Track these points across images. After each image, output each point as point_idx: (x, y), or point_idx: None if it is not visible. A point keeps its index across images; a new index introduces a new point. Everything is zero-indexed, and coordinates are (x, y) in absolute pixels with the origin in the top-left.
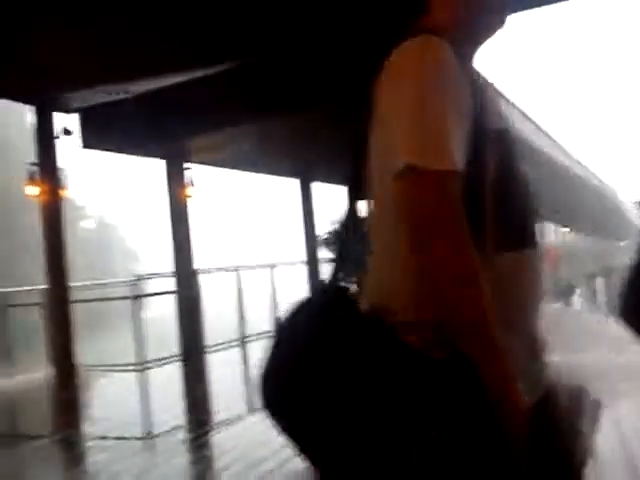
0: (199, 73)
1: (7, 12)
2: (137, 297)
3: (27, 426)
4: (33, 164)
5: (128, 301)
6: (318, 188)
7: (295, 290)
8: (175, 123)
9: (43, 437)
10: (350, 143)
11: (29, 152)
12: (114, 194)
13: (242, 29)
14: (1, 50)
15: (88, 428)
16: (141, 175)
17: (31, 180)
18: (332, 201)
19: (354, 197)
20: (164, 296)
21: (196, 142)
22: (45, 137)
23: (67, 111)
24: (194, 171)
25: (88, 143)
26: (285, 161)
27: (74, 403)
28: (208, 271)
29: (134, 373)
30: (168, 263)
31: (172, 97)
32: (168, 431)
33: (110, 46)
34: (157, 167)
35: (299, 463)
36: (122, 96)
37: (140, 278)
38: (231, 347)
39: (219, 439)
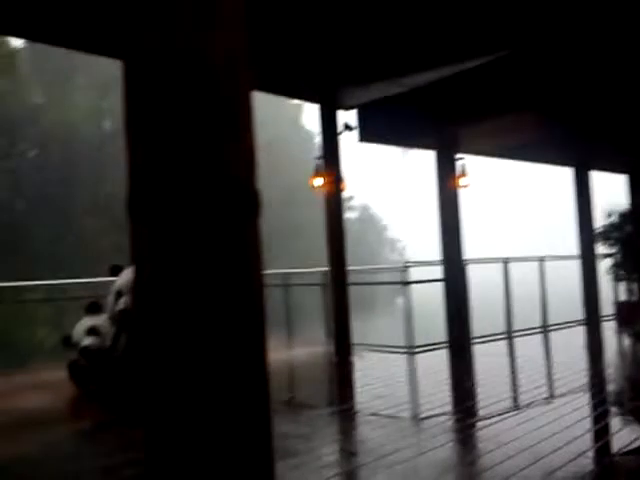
0: (471, 64)
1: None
2: (407, 283)
3: (307, 396)
4: (318, 158)
5: (387, 286)
6: (594, 177)
7: (565, 286)
8: (448, 114)
9: (320, 407)
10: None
11: (302, 147)
12: (379, 185)
13: (513, 18)
14: (290, 54)
15: (361, 404)
16: (408, 166)
17: (316, 173)
18: (609, 191)
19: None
20: (420, 284)
21: (468, 132)
22: (329, 133)
23: (348, 107)
24: (467, 161)
25: (365, 137)
26: (560, 149)
27: (349, 379)
28: (476, 261)
29: (403, 355)
30: (429, 252)
31: (443, 88)
32: (436, 415)
33: (388, 42)
34: (427, 158)
35: (581, 463)
36: (397, 90)
37: (408, 266)
38: (498, 339)
39: (490, 430)
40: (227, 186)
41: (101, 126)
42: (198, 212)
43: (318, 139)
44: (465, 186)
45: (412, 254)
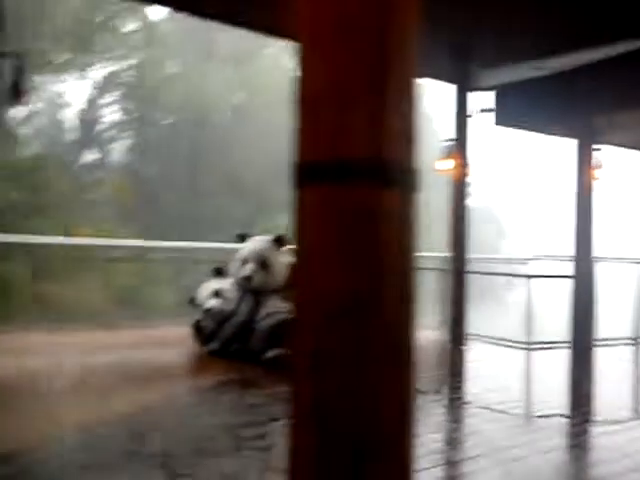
0: (620, 49)
1: None
2: (532, 277)
3: (416, 380)
4: (448, 140)
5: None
6: None
7: None
8: (593, 101)
9: (429, 394)
10: None
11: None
12: (500, 172)
13: None
14: (426, 33)
15: (472, 395)
16: (532, 154)
17: (445, 156)
18: None
19: None
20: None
21: (613, 121)
22: (462, 115)
23: (484, 89)
24: (604, 152)
25: (501, 121)
26: None
27: (460, 368)
28: (607, 259)
29: (519, 351)
30: (546, 246)
31: (588, 74)
32: (551, 416)
33: (529, 24)
34: (555, 147)
35: None
36: (538, 73)
37: (531, 259)
38: (623, 345)
39: (611, 438)
40: (387, 162)
41: (234, 98)
42: (361, 186)
43: (442, 121)
44: (599, 179)
45: (528, 247)
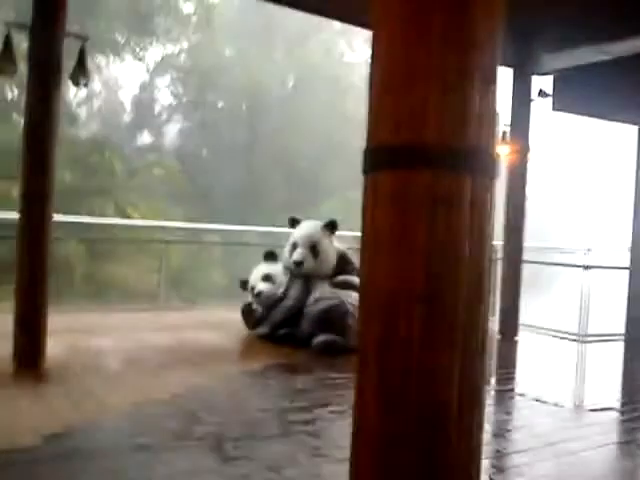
0: None
1: None
2: (589, 267)
3: None
4: (506, 125)
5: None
6: None
7: None
8: None
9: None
10: None
11: None
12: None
13: None
14: None
15: (524, 387)
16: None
17: (502, 140)
18: None
19: None
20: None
21: None
22: (521, 99)
23: (543, 74)
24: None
25: (560, 106)
26: None
27: (512, 359)
28: None
29: (573, 343)
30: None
31: None
32: (605, 409)
33: (592, 8)
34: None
35: None
36: (600, 58)
37: (589, 249)
38: None
39: None
40: (464, 147)
41: (286, 82)
42: (436, 171)
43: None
44: None
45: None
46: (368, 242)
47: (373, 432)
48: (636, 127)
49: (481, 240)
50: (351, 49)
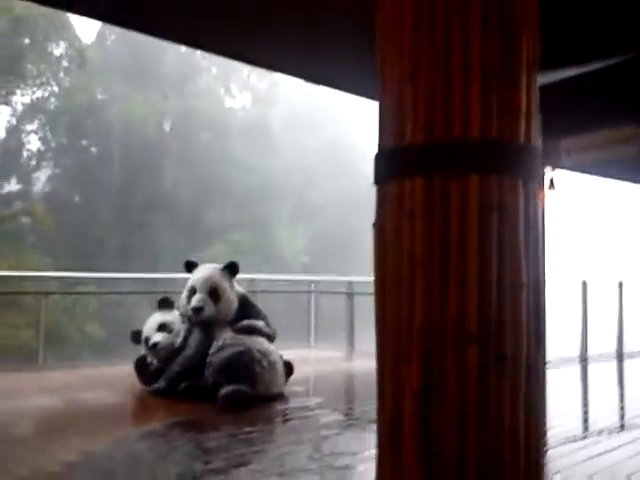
0: (585, 69)
1: None
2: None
3: None
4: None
5: None
6: None
7: None
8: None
9: None
10: None
11: None
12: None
13: (629, 22)
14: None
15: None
16: None
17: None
18: None
19: None
20: None
21: (566, 144)
22: None
23: None
24: (556, 174)
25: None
26: None
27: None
28: None
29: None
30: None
31: (551, 93)
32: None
33: None
34: None
35: None
36: None
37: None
38: None
39: None
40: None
41: (161, 125)
42: (488, 175)
43: None
44: (549, 200)
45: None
46: (390, 269)
47: None
48: None
49: (537, 261)
50: (230, 95)
